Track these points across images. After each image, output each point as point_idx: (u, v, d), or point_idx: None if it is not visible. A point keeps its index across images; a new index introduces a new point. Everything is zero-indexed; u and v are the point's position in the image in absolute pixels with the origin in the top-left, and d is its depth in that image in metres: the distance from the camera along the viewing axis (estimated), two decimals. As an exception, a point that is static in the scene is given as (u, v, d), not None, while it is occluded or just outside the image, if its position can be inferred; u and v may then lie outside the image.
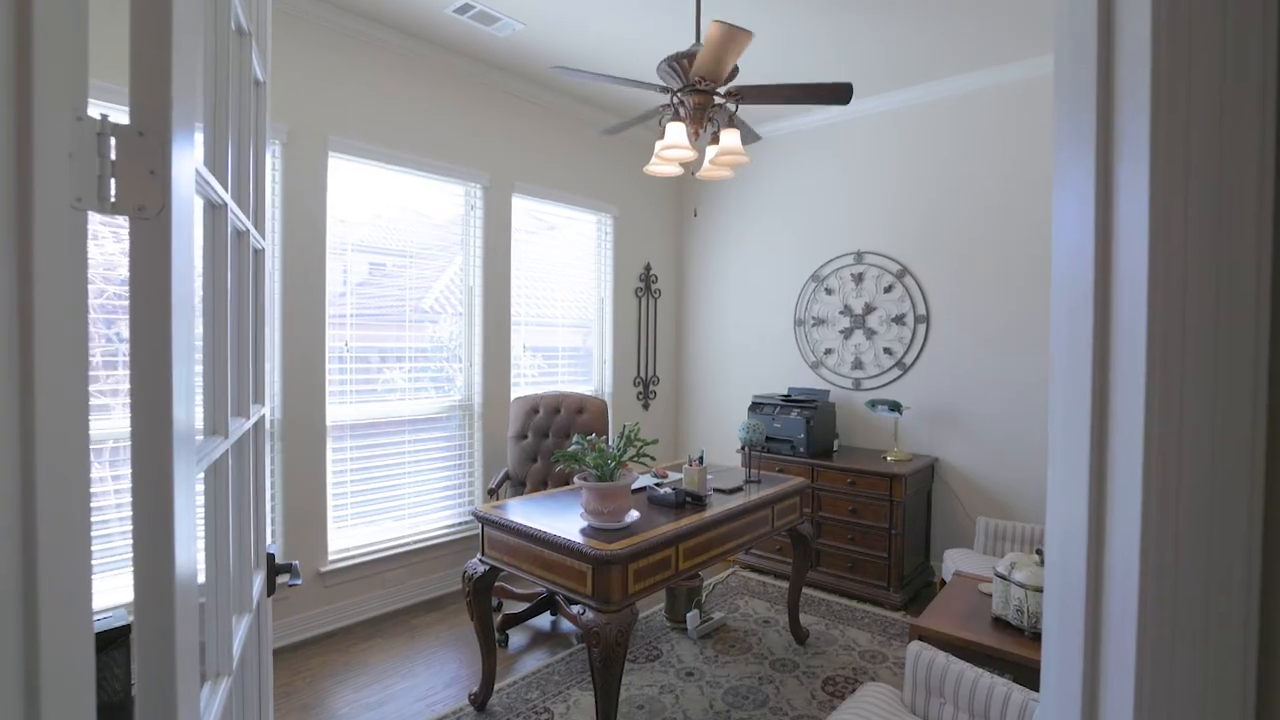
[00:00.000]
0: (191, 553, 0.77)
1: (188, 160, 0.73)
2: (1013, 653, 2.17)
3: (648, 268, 5.49)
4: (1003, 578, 2.32)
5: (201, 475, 1.06)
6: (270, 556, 1.57)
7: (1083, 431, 0.66)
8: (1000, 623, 2.35)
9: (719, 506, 2.83)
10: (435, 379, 4.11)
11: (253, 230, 1.35)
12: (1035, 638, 2.21)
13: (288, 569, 1.61)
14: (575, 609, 3.43)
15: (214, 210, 1.02)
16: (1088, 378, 0.66)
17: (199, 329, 1.04)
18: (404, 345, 3.91)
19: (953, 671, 1.96)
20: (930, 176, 4.35)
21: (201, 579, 1.07)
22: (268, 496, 1.57)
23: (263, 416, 1.53)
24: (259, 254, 1.55)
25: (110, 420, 2.78)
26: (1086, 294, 0.66)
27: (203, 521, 1.04)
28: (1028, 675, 2.12)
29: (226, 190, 1.04)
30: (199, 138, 0.81)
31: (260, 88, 1.55)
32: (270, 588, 1.57)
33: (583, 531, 2.42)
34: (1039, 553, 2.29)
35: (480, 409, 4.25)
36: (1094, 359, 0.66)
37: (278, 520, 3.37)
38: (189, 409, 0.75)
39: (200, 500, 0.83)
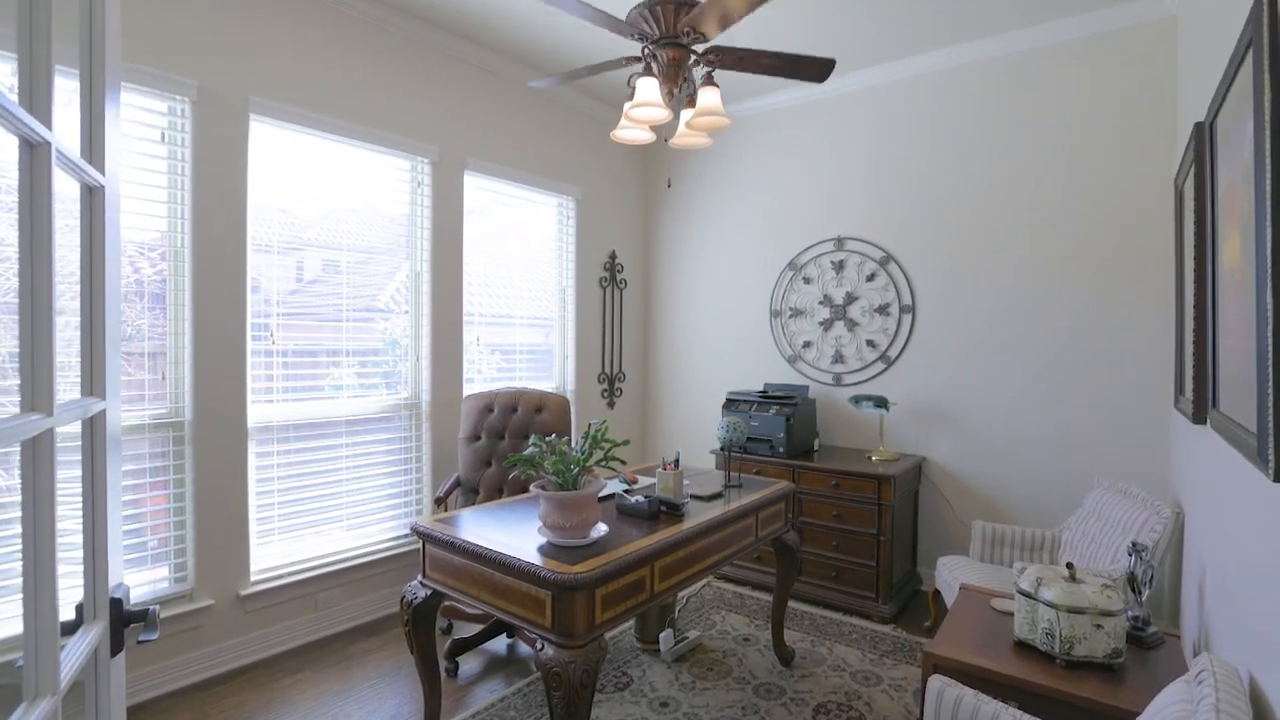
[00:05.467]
0: None
1: None
2: (1043, 684, 1.86)
3: (613, 256, 5.12)
4: (1028, 595, 2.02)
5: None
6: (116, 602, 1.17)
7: None
8: (1024, 647, 2.04)
9: (698, 516, 2.48)
10: (387, 375, 3.69)
11: (62, 150, 0.95)
12: (1069, 666, 1.91)
13: (143, 617, 1.21)
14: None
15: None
16: None
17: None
18: (344, 342, 3.47)
19: (985, 714, 1.64)
20: (916, 157, 4.07)
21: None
22: (113, 514, 1.17)
23: (102, 413, 1.12)
24: (94, 192, 1.14)
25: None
26: None
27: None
28: (1060, 711, 1.82)
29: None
30: None
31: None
32: (116, 644, 1.17)
33: (541, 550, 2.05)
34: (1070, 566, 2.00)
35: (428, 408, 3.83)
36: None
37: (188, 537, 2.91)
38: None
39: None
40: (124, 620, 1.18)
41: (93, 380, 1.13)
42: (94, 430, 1.12)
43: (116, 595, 1.17)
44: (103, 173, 1.14)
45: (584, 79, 4.47)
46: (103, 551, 1.14)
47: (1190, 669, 1.34)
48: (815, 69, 2.67)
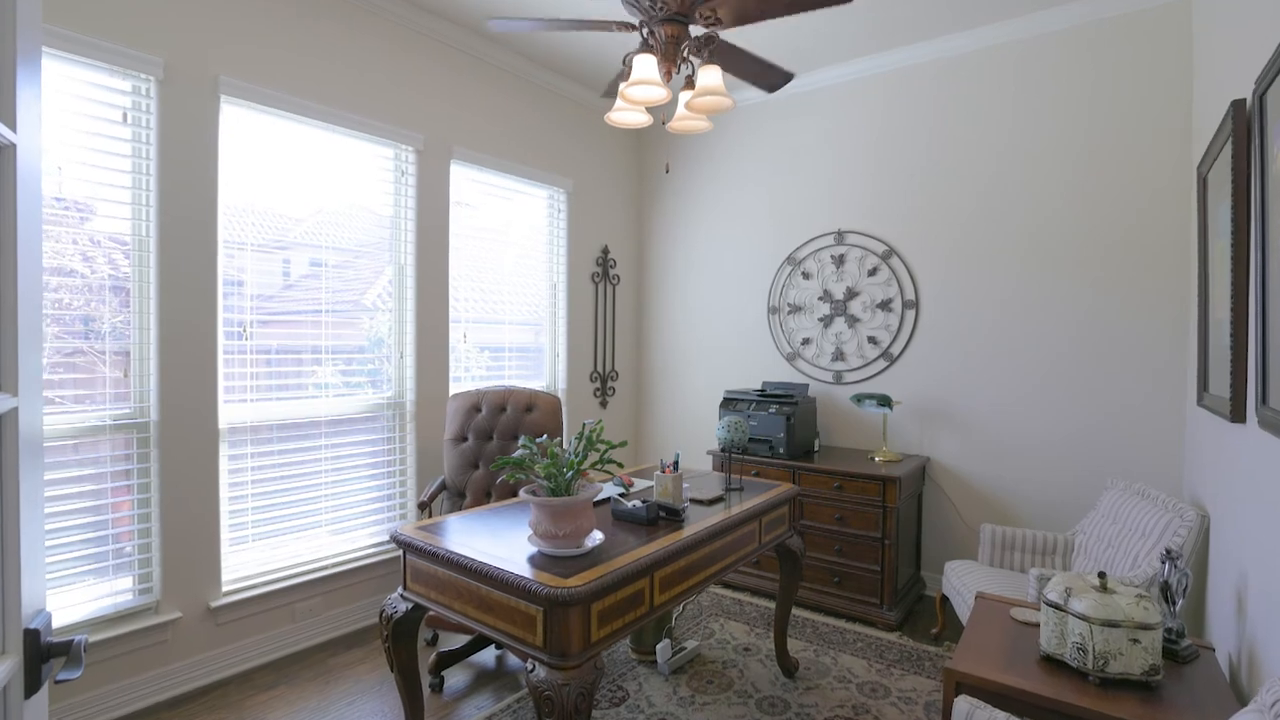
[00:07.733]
0: None
1: None
2: (1077, 704, 1.71)
3: (605, 251, 4.96)
4: (1056, 607, 1.87)
5: None
6: (33, 634, 1.00)
7: None
8: (1052, 663, 1.90)
9: (699, 522, 2.32)
10: (372, 374, 3.52)
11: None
12: (1104, 684, 1.77)
13: (65, 650, 1.04)
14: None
15: None
16: None
17: None
18: (325, 340, 3.29)
19: (1020, 741, 1.49)
20: (919, 147, 3.94)
21: None
22: (29, 530, 1.01)
23: (13, 411, 0.96)
24: (2, 151, 0.97)
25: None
26: None
27: None
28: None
29: None
30: None
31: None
32: (33, 682, 1.00)
33: (532, 561, 1.89)
34: (1101, 575, 1.86)
35: (413, 408, 3.66)
36: None
37: (154, 546, 2.73)
38: None
39: None
40: (42, 655, 1.01)
41: (1, 372, 0.96)
42: (3, 432, 0.95)
43: (33, 626, 1.00)
44: (13, 129, 0.97)
45: (578, 71, 4.31)
46: (14, 575, 0.98)
47: (1262, 696, 1.20)
48: None
